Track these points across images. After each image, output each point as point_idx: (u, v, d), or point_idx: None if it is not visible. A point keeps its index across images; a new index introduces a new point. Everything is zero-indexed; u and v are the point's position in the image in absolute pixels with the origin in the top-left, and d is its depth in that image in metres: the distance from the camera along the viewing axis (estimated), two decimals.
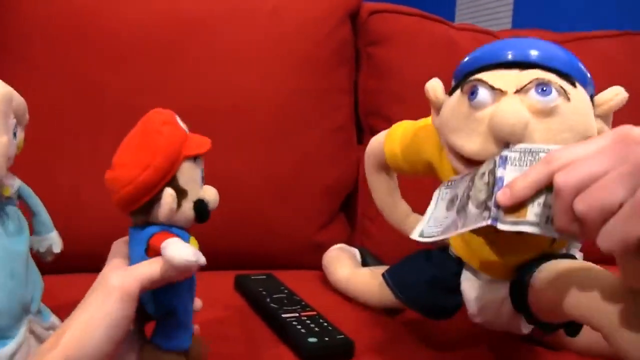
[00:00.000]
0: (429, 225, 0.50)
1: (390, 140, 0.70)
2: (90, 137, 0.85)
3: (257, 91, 0.93)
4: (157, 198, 0.45)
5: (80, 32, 0.87)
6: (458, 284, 0.63)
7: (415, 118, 0.71)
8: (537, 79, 0.47)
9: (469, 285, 0.62)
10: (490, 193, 0.43)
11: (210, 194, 0.49)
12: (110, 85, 0.87)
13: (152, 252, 0.45)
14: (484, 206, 0.43)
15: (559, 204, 0.37)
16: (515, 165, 0.43)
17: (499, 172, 0.43)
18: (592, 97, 0.50)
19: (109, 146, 0.84)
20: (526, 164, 0.43)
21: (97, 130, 0.85)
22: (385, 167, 0.74)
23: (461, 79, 0.53)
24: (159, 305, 0.46)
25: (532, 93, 0.47)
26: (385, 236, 0.99)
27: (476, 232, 0.50)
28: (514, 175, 0.42)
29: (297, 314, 0.65)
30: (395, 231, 0.90)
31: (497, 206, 0.41)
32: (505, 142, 0.47)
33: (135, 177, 0.44)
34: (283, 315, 0.64)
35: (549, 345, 0.67)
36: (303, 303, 0.69)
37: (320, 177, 0.97)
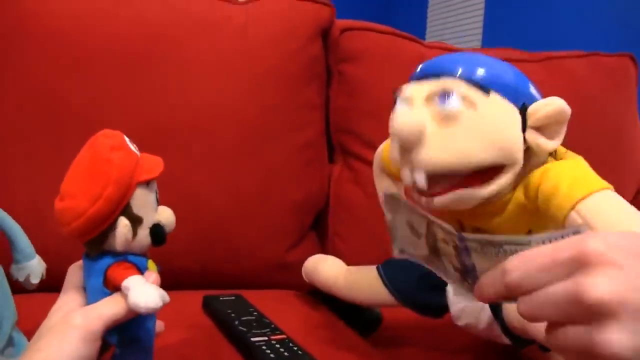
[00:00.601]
0: (402, 243, 0.51)
1: (387, 146, 0.68)
2: (50, 149, 0.82)
3: (224, 106, 0.91)
4: (111, 228, 0.44)
5: (41, 40, 0.84)
6: (444, 284, 0.65)
7: (386, 136, 0.70)
8: (442, 88, 0.48)
9: (455, 287, 0.63)
10: (467, 271, 0.43)
11: (165, 216, 0.48)
12: (71, 96, 0.84)
13: (110, 285, 0.44)
14: (462, 278, 0.44)
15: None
16: (479, 254, 0.42)
17: (468, 261, 0.43)
18: (524, 108, 0.49)
19: (70, 158, 0.82)
20: (491, 254, 0.41)
21: (57, 143, 0.82)
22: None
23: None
24: (123, 337, 0.45)
25: (436, 100, 0.48)
26: (356, 255, 0.99)
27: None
28: (483, 260, 0.41)
29: (267, 337, 0.63)
30: (365, 250, 0.89)
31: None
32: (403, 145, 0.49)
33: (85, 209, 0.43)
34: (252, 339, 0.63)
35: None
36: (272, 326, 0.67)
37: (288, 194, 0.95)
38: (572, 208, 0.46)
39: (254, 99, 0.93)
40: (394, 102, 0.52)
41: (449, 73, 0.49)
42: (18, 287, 0.57)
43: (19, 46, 0.84)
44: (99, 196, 0.43)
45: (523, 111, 0.49)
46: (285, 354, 0.60)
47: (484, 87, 0.48)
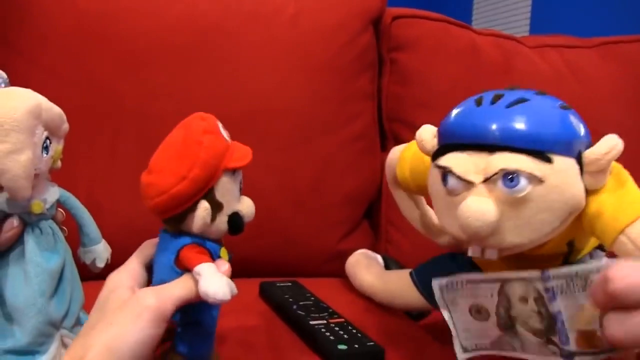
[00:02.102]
0: (465, 339, 0.48)
1: (402, 163, 0.67)
2: (106, 142, 0.85)
3: (276, 97, 0.92)
4: (191, 209, 0.44)
5: (96, 37, 0.87)
6: None
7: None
8: (503, 169, 0.44)
9: None
10: (549, 326, 0.41)
11: (246, 206, 0.48)
12: (126, 90, 0.87)
13: (181, 265, 0.45)
14: (544, 338, 0.42)
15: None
16: (566, 293, 0.40)
17: (554, 307, 0.40)
18: (580, 154, 0.46)
19: (125, 151, 0.86)
20: (578, 290, 0.40)
21: (113, 136, 0.85)
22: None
23: (438, 149, 0.50)
24: (186, 317, 0.46)
25: (500, 184, 0.44)
26: (410, 243, 0.99)
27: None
28: (570, 305, 0.40)
29: (325, 321, 0.65)
30: (419, 239, 0.89)
31: (568, 343, 0.40)
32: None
33: (170, 187, 0.44)
34: (311, 322, 0.64)
35: None
36: (330, 310, 0.69)
37: (341, 185, 0.96)
38: (621, 232, 0.44)
39: (305, 90, 0.94)
40: (443, 176, 0.48)
41: (504, 143, 0.45)
42: (82, 274, 0.59)
43: (76, 46, 0.86)
44: (185, 176, 0.43)
45: (579, 158, 0.46)
46: (345, 336, 0.61)
47: (546, 153, 0.44)
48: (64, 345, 0.51)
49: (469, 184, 0.45)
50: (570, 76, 1.09)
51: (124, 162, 0.86)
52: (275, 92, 0.93)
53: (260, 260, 0.90)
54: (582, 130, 0.47)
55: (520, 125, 0.45)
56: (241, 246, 0.87)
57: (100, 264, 0.58)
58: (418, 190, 0.67)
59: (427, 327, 0.75)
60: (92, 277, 0.59)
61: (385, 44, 1.04)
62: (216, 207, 0.45)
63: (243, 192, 0.50)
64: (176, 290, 0.43)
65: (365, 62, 1.00)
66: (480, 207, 0.44)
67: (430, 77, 1.01)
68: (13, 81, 0.84)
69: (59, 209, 0.55)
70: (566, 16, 2.98)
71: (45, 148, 0.49)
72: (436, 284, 0.49)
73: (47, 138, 0.49)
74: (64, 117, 0.53)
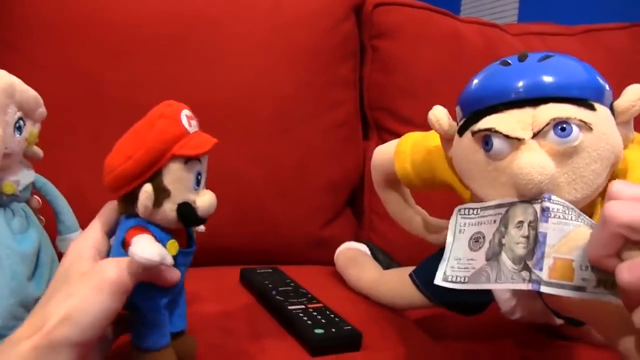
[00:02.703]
0: (451, 267, 0.47)
1: (401, 157, 0.66)
2: (91, 132, 0.85)
3: (259, 85, 0.92)
4: (138, 191, 0.44)
5: (80, 26, 0.86)
6: None
7: (423, 112, 0.69)
8: (554, 119, 0.42)
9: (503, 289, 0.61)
10: (531, 250, 0.40)
11: (203, 199, 0.47)
12: (111, 80, 0.86)
13: (126, 245, 0.44)
14: (522, 264, 0.41)
15: (601, 235, 0.35)
16: (559, 218, 0.40)
17: (541, 227, 0.40)
18: (611, 106, 0.46)
19: (110, 141, 0.84)
20: (571, 218, 0.39)
21: (98, 125, 0.85)
22: (395, 182, 0.71)
23: (469, 117, 0.48)
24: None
25: (552, 135, 0.43)
26: (392, 231, 0.99)
27: None
28: (557, 231, 0.39)
29: (304, 306, 0.65)
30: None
31: (540, 268, 0.39)
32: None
33: (117, 166, 0.44)
34: (289, 307, 0.64)
35: (568, 337, 0.67)
36: (309, 295, 0.69)
37: (324, 172, 0.96)
38: None
39: (288, 78, 0.94)
40: (485, 140, 0.46)
41: (548, 94, 0.44)
42: None
43: (60, 35, 0.86)
44: (130, 156, 0.44)
45: (612, 109, 0.46)
46: (323, 321, 0.61)
47: (590, 102, 0.44)
48: None
49: (517, 142, 0.43)
50: None
51: (108, 151, 0.86)
52: (258, 79, 0.92)
53: (243, 247, 0.90)
54: (606, 82, 0.46)
55: (559, 77, 0.44)
56: (224, 234, 0.88)
57: None
58: (422, 183, 0.65)
59: (411, 315, 0.76)
60: None
61: (367, 32, 1.04)
62: (161, 192, 0.44)
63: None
64: (133, 264, 0.43)
65: (347, 49, 1.01)
66: (539, 160, 0.42)
67: (413, 65, 1.02)
68: None
69: (35, 196, 0.56)
70: (555, 5, 2.99)
71: (18, 128, 0.50)
72: (456, 209, 0.48)
73: (20, 119, 0.50)
74: (40, 101, 0.53)
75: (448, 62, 1.02)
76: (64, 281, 0.43)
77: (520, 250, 0.41)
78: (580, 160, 0.43)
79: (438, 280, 0.47)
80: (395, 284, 0.74)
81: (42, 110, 0.54)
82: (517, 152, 0.44)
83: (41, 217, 0.57)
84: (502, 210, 0.44)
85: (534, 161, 0.42)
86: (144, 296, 0.45)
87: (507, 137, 0.43)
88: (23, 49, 0.85)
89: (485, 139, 0.45)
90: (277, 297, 0.68)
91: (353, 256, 0.85)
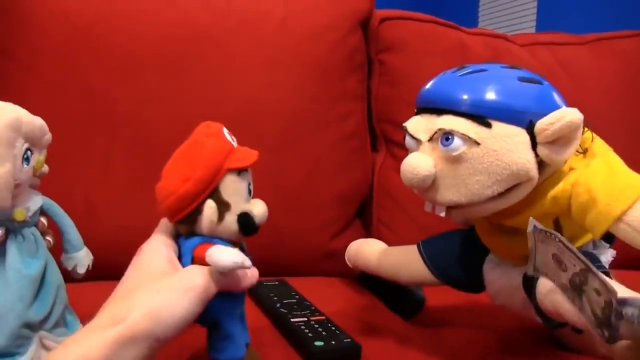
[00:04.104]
0: (540, 264, 0.50)
1: None
2: (102, 147, 0.87)
3: (266, 100, 0.94)
4: (200, 210, 0.46)
5: (90, 46, 0.89)
6: (483, 262, 0.66)
7: None
8: (440, 129, 0.48)
9: (488, 268, 0.65)
10: (607, 326, 0.42)
11: (257, 207, 0.50)
12: (120, 96, 0.88)
13: (197, 263, 0.46)
14: (597, 325, 0.43)
15: None
16: (633, 326, 0.41)
17: (618, 325, 0.41)
18: (532, 125, 0.48)
19: (120, 155, 0.87)
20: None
21: (108, 141, 0.87)
22: None
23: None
24: (205, 315, 0.46)
25: (439, 143, 0.49)
26: (401, 242, 0.99)
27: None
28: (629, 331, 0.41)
29: (306, 319, 0.66)
30: (410, 237, 0.90)
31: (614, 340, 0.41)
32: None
33: (177, 188, 0.46)
34: (292, 320, 0.65)
35: (570, 348, 0.67)
36: (313, 308, 0.70)
37: (332, 185, 0.97)
38: (617, 219, 0.46)
39: (295, 92, 0.96)
40: (404, 137, 0.54)
41: (449, 106, 0.49)
42: (71, 278, 0.61)
43: (71, 55, 0.88)
44: (189, 177, 0.45)
45: (531, 128, 0.48)
46: (324, 333, 0.62)
47: (485, 119, 0.48)
48: (43, 347, 0.53)
49: (418, 142, 0.50)
50: (561, 72, 1.10)
51: (118, 166, 0.88)
52: (266, 93, 0.94)
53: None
54: (539, 102, 0.49)
55: (464, 91, 0.49)
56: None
57: (81, 270, 0.60)
58: None
59: (413, 328, 0.76)
60: (78, 280, 0.61)
61: (374, 46, 1.05)
62: (223, 205, 0.46)
63: None
64: (217, 273, 0.45)
65: (354, 63, 1.02)
66: (414, 161, 0.49)
67: (419, 78, 0.99)
68: (10, 90, 0.87)
69: (41, 218, 0.57)
70: (573, 14, 2.97)
71: (26, 159, 0.51)
72: (533, 220, 0.49)
73: (27, 149, 0.51)
74: (46, 128, 0.54)
75: None
76: (146, 277, 0.44)
77: (599, 313, 0.43)
78: (463, 169, 0.48)
79: (530, 272, 0.51)
80: (402, 256, 0.76)
81: (48, 137, 0.55)
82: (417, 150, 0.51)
83: (48, 238, 0.59)
84: (584, 266, 0.44)
85: (411, 161, 0.49)
86: (222, 308, 0.47)
87: (411, 136, 0.51)
88: (36, 69, 0.88)
89: (404, 134, 0.53)
90: (281, 309, 0.69)
91: (361, 241, 0.87)
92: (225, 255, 0.43)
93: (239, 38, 0.94)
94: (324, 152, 0.97)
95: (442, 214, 0.51)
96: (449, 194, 0.49)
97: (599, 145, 0.55)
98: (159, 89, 0.90)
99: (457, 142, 0.48)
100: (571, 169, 0.52)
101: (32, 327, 0.51)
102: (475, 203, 0.49)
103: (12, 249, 0.51)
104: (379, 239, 1.02)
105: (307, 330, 0.62)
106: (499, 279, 0.63)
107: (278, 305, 0.70)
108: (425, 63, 1.03)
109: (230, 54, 0.93)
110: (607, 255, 0.60)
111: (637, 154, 0.56)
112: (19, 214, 0.52)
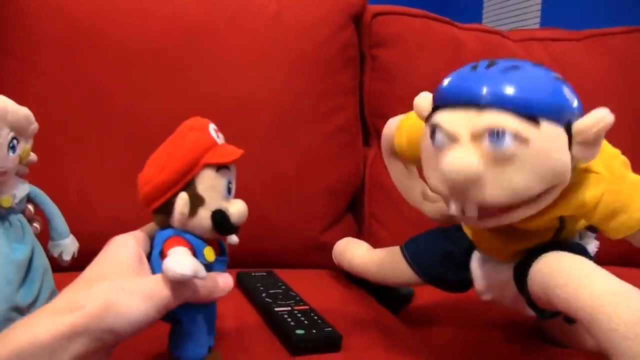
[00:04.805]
0: None
1: (399, 133, 0.69)
2: (97, 140, 0.89)
3: (259, 93, 0.95)
4: (173, 201, 0.46)
5: (86, 40, 0.90)
6: (469, 260, 0.66)
7: None
8: (489, 125, 0.45)
9: (477, 265, 0.65)
10: None
11: (235, 206, 0.49)
12: (115, 91, 0.90)
13: (164, 256, 0.46)
14: None
15: None
16: None
17: None
18: (569, 124, 0.47)
19: (116, 149, 0.88)
20: None
21: (103, 134, 0.89)
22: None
23: (433, 108, 0.51)
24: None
25: (486, 141, 0.45)
26: (392, 236, 1.01)
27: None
28: None
29: (290, 308, 0.67)
30: (402, 232, 0.91)
31: None
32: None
33: (152, 177, 0.46)
34: (276, 309, 0.66)
35: (558, 343, 0.68)
36: (298, 298, 0.71)
37: (322, 178, 0.98)
38: None
39: (287, 86, 0.97)
40: (431, 131, 0.49)
41: (493, 103, 0.46)
42: (57, 265, 0.62)
43: (67, 49, 0.90)
44: (165, 167, 0.46)
45: (569, 128, 0.46)
46: (305, 322, 0.62)
47: (534, 117, 0.45)
48: None
49: (455, 140, 0.46)
50: (555, 68, 1.06)
51: (113, 159, 0.89)
52: (258, 87, 0.95)
53: (242, 251, 0.91)
54: (573, 101, 0.47)
55: (510, 88, 0.46)
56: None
57: (67, 257, 0.61)
58: (412, 159, 0.68)
59: (399, 321, 0.77)
60: (64, 269, 0.63)
61: (367, 41, 1.06)
62: (196, 199, 0.46)
63: None
64: (188, 290, 0.45)
65: (346, 57, 1.03)
66: (463, 158, 0.45)
67: (412, 73, 1.03)
68: (7, 83, 0.89)
69: (28, 205, 0.59)
70: (577, 11, 2.96)
71: (12, 147, 0.52)
72: None
73: (13, 138, 0.52)
74: (31, 118, 0.55)
75: (447, 70, 1.00)
76: (112, 270, 0.44)
77: None
78: (511, 169, 0.45)
79: None
80: (386, 258, 0.77)
81: (34, 127, 0.56)
82: (449, 151, 0.46)
83: (35, 225, 0.60)
84: None
85: (458, 158, 0.45)
86: (184, 308, 0.47)
87: (447, 133, 0.46)
88: (32, 63, 0.89)
89: (432, 131, 0.48)
90: (267, 299, 0.70)
91: (347, 241, 0.88)
92: (178, 265, 0.42)
93: (233, 32, 0.95)
94: (314, 145, 0.98)
95: (475, 215, 0.48)
96: (491, 192, 0.46)
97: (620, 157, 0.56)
98: (153, 83, 0.91)
99: (508, 140, 0.44)
100: (586, 170, 0.52)
101: (20, 310, 0.53)
102: (516, 201, 0.47)
103: None
104: (370, 233, 1.03)
105: (289, 319, 0.63)
106: (489, 274, 0.63)
107: (264, 295, 0.71)
108: (418, 58, 1.04)
109: (224, 48, 0.95)
110: (592, 246, 0.61)
111: (632, 149, 0.56)
112: (5, 201, 0.53)
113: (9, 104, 0.52)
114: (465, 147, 0.46)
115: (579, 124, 0.46)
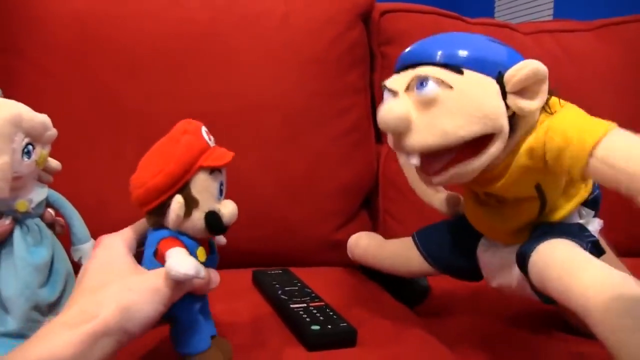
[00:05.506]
0: None
1: None
2: (109, 142, 0.90)
3: (269, 94, 0.96)
4: (168, 203, 0.47)
5: (99, 45, 0.91)
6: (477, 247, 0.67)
7: None
8: (416, 75, 0.51)
9: (483, 250, 0.67)
10: None
11: (227, 207, 0.50)
12: (127, 93, 0.91)
13: (159, 256, 0.48)
14: None
15: None
16: None
17: None
18: (501, 76, 0.51)
19: (128, 150, 0.90)
20: None
21: (116, 136, 0.90)
22: None
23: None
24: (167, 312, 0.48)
25: (415, 90, 0.51)
26: (408, 233, 1.00)
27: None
28: None
29: (305, 304, 0.68)
30: (417, 228, 0.91)
31: None
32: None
33: (147, 180, 0.48)
34: (291, 306, 0.67)
35: (582, 334, 0.67)
36: (313, 295, 0.72)
37: (335, 177, 0.99)
38: (591, 155, 0.46)
39: (297, 87, 0.98)
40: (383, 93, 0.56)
41: (424, 60, 0.52)
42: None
43: (79, 52, 0.91)
44: (161, 171, 0.47)
45: (500, 79, 0.50)
46: (321, 318, 0.63)
47: (456, 66, 0.51)
48: None
49: (395, 94, 0.53)
50: (565, 59, 1.10)
51: (125, 161, 0.89)
52: (268, 88, 0.96)
53: (256, 251, 0.93)
54: (503, 56, 0.52)
55: (436, 46, 0.53)
56: (238, 237, 0.90)
57: (85, 262, 0.62)
58: None
59: (415, 316, 0.77)
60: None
61: (375, 39, 1.06)
62: (191, 202, 0.48)
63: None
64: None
65: (355, 56, 1.03)
66: (389, 105, 0.51)
67: None
68: (22, 87, 0.90)
69: (48, 209, 0.60)
70: (591, 2, 2.93)
71: (27, 153, 0.53)
72: None
73: (28, 144, 0.53)
74: (48, 124, 0.56)
75: None
76: (111, 273, 0.46)
77: None
78: (438, 111, 0.50)
79: None
80: (398, 248, 0.78)
81: (51, 133, 0.56)
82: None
83: (59, 227, 0.61)
84: None
85: (387, 105, 0.51)
86: (180, 305, 0.48)
87: (389, 89, 0.54)
88: (45, 66, 0.91)
89: (383, 91, 0.56)
90: (282, 296, 0.71)
91: (360, 234, 0.89)
92: (180, 265, 0.44)
93: (241, 34, 0.96)
94: (326, 145, 0.99)
95: (417, 163, 0.52)
96: (423, 136, 0.50)
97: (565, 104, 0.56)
98: (164, 86, 0.93)
99: (431, 85, 0.50)
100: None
101: (42, 310, 0.54)
102: (451, 143, 0.50)
103: (17, 238, 0.54)
104: (385, 230, 1.04)
105: (305, 315, 0.64)
106: (492, 259, 0.64)
107: (279, 292, 0.72)
108: None
109: (233, 50, 0.96)
110: (594, 225, 0.61)
111: None
112: (21, 205, 0.54)
113: (23, 110, 0.53)
114: (400, 98, 0.52)
115: (507, 73, 0.50)
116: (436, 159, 0.53)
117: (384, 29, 1.05)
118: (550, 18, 3.20)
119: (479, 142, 0.51)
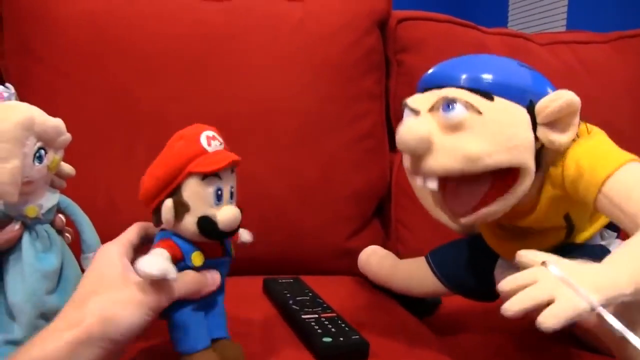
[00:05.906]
0: None
1: None
2: (123, 144, 0.90)
3: (284, 99, 0.95)
4: (160, 207, 0.49)
5: (114, 47, 0.91)
6: (493, 268, 0.66)
7: None
8: (443, 97, 0.49)
9: (500, 272, 0.65)
10: None
11: (223, 213, 0.49)
12: (141, 95, 0.91)
13: None
14: None
15: None
16: None
17: None
18: (533, 106, 0.49)
19: (142, 152, 0.89)
20: None
21: (129, 138, 0.90)
22: None
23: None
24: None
25: (440, 111, 0.48)
26: (419, 241, 1.00)
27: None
28: None
29: (317, 315, 0.67)
30: (429, 237, 0.90)
31: None
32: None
33: (145, 183, 0.50)
34: (303, 317, 0.66)
35: (593, 348, 0.67)
36: (325, 305, 0.71)
37: (348, 184, 0.98)
38: (599, 191, 0.46)
39: (312, 92, 0.97)
40: (402, 112, 0.54)
41: (451, 83, 0.50)
42: None
43: (95, 55, 0.91)
44: (152, 175, 0.49)
45: (531, 109, 0.49)
46: (333, 329, 0.62)
47: (487, 93, 0.48)
48: None
49: (416, 113, 0.51)
50: (582, 71, 1.09)
51: (140, 163, 0.90)
52: (283, 93, 0.96)
53: (268, 257, 0.92)
54: (534, 83, 0.50)
55: (464, 68, 0.51)
56: (249, 244, 0.90)
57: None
58: None
59: (427, 328, 0.76)
60: None
61: (392, 46, 1.05)
62: (181, 206, 0.48)
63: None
64: (175, 289, 0.48)
65: (371, 63, 1.02)
66: (411, 123, 0.49)
67: None
68: (38, 89, 0.90)
69: (59, 215, 0.59)
70: (604, 13, 2.92)
71: (39, 157, 0.52)
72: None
73: (40, 148, 0.52)
74: (62, 129, 0.55)
75: None
76: (101, 283, 0.47)
77: None
78: (464, 136, 0.48)
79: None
80: (412, 269, 0.77)
81: (65, 138, 0.56)
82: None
83: (67, 235, 0.61)
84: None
85: (409, 124, 0.49)
86: (172, 305, 0.49)
87: (410, 108, 0.52)
88: (61, 68, 0.91)
89: (403, 110, 0.54)
90: (294, 306, 0.70)
91: (372, 250, 0.88)
92: (146, 265, 0.44)
93: (257, 39, 0.96)
94: (340, 151, 0.98)
95: (433, 186, 0.50)
96: (443, 158, 0.48)
97: (591, 128, 0.55)
98: (179, 89, 0.92)
99: (459, 108, 0.48)
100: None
101: (47, 318, 0.53)
102: (471, 169, 0.48)
103: (26, 244, 0.53)
104: (397, 238, 1.03)
105: (316, 327, 0.63)
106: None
107: (291, 302, 0.71)
108: None
109: (249, 55, 0.95)
110: (615, 246, 0.60)
111: None
112: (31, 211, 0.53)
113: (36, 114, 0.52)
114: (423, 117, 0.50)
115: (539, 103, 0.49)
116: (462, 194, 0.52)
117: (400, 36, 1.04)
118: (564, 28, 3.19)
119: (505, 176, 0.49)
